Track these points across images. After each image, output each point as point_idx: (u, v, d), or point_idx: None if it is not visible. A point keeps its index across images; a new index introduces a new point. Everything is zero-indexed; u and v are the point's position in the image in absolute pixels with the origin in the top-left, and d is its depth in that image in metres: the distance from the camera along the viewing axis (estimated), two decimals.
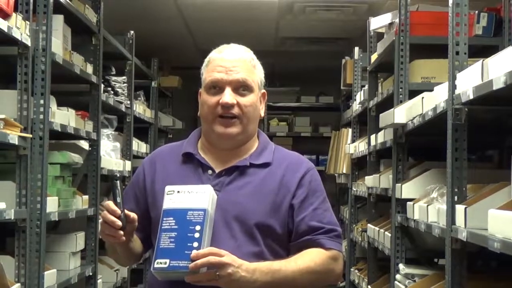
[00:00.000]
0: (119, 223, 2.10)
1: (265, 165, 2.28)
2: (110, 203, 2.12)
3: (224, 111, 2.22)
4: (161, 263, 2.05)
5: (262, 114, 2.33)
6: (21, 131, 3.51)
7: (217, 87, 2.23)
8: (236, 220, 2.19)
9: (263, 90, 2.33)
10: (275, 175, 2.26)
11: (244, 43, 2.34)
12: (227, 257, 2.04)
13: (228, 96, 2.21)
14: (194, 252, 2.02)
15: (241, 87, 2.23)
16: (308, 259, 2.18)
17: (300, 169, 2.29)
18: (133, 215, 2.15)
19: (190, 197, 2.11)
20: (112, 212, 2.10)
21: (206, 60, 2.31)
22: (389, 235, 4.58)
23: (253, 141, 2.33)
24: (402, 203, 4.23)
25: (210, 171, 2.26)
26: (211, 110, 2.24)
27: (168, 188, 2.15)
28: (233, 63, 2.23)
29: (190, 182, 2.23)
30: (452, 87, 3.14)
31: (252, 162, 2.27)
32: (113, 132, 5.61)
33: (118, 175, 2.21)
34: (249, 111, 2.24)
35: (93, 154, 4.89)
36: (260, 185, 2.24)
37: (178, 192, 2.13)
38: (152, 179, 2.31)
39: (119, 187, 2.15)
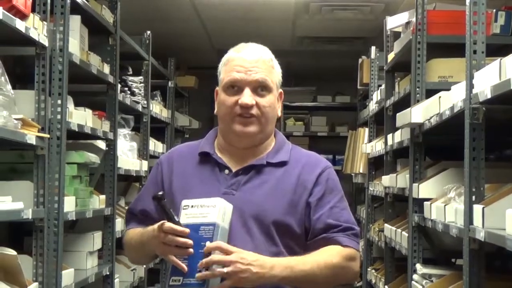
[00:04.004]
0: (191, 242, 2.06)
1: (282, 163, 2.27)
2: (172, 226, 2.06)
3: (243, 111, 2.22)
4: (175, 280, 2.06)
5: (279, 114, 2.33)
6: (38, 131, 3.52)
7: (236, 87, 2.23)
8: (253, 219, 2.18)
9: (280, 90, 2.33)
10: (292, 173, 2.26)
11: (260, 42, 2.33)
12: (234, 255, 2.04)
13: (248, 97, 2.21)
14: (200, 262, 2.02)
15: (260, 88, 2.23)
16: (327, 255, 2.17)
17: (317, 167, 2.28)
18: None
19: (202, 211, 2.10)
20: (181, 233, 2.06)
21: (224, 58, 2.30)
22: (406, 235, 4.57)
23: (270, 140, 2.33)
24: (419, 203, 4.22)
25: (227, 171, 2.26)
26: (229, 109, 2.23)
27: (184, 202, 2.14)
28: (252, 63, 2.23)
29: (207, 182, 2.24)
30: (470, 86, 3.12)
31: (269, 161, 2.27)
32: (129, 132, 5.63)
33: (161, 193, 2.11)
34: (268, 112, 2.24)
35: (110, 154, 4.90)
36: (277, 183, 2.23)
37: (192, 206, 2.12)
38: (169, 179, 2.31)
39: (168, 206, 2.09)
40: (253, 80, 2.22)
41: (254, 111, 2.22)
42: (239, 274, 2.03)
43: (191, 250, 2.05)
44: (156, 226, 2.12)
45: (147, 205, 2.30)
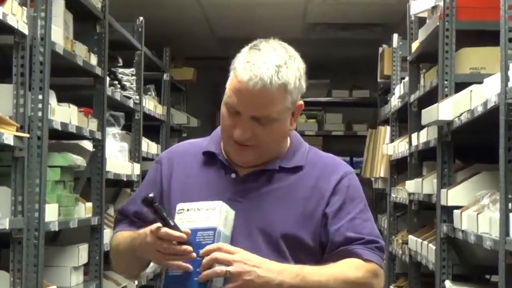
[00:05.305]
0: (191, 249, 2.05)
1: (297, 169, 2.25)
2: (168, 231, 2.05)
3: (238, 140, 2.18)
4: None
5: (294, 127, 2.28)
6: (17, 130, 3.53)
7: (234, 110, 2.17)
8: (259, 232, 2.17)
9: (300, 102, 2.26)
10: (307, 180, 2.23)
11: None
12: (238, 255, 2.04)
13: (241, 132, 2.15)
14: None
15: (262, 119, 2.16)
16: (346, 268, 2.16)
17: (337, 173, 2.26)
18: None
19: (200, 215, 2.09)
20: (179, 239, 2.05)
21: (236, 63, 2.19)
22: (434, 247, 4.57)
23: (284, 143, 2.29)
24: (449, 211, 4.22)
25: (233, 175, 2.24)
26: (226, 130, 2.21)
27: (179, 206, 2.14)
28: (256, 96, 2.12)
29: (210, 185, 2.22)
30: (505, 78, 3.12)
31: (282, 166, 2.24)
32: (120, 131, 5.64)
33: (152, 195, 2.07)
34: (268, 141, 2.19)
35: (98, 155, 4.91)
36: (289, 191, 2.21)
37: (188, 210, 2.11)
38: (168, 180, 2.29)
39: (161, 208, 2.08)
40: (252, 114, 2.15)
41: (250, 142, 2.17)
42: (244, 275, 2.03)
43: (194, 254, 2.04)
44: (148, 230, 2.10)
45: (142, 207, 2.28)
